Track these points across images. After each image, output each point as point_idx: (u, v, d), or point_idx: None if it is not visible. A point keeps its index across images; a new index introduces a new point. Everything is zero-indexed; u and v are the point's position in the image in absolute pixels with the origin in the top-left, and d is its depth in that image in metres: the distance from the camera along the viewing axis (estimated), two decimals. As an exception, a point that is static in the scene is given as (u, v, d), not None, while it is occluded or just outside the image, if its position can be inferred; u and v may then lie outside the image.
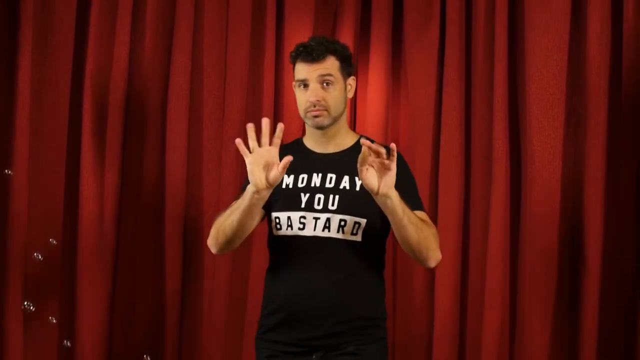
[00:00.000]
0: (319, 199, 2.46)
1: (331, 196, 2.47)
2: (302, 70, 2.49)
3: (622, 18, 3.35)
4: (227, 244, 2.46)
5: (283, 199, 2.49)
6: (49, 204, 3.49)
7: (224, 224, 2.43)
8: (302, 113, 2.51)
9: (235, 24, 3.59)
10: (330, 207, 2.46)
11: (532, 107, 3.41)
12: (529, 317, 3.39)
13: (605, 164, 3.36)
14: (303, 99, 2.49)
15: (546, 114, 3.39)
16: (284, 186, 2.50)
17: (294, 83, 2.53)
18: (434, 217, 3.55)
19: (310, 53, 2.47)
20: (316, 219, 2.45)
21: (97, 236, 3.50)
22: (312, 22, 3.60)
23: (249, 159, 2.28)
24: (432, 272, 3.53)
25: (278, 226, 2.49)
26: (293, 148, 2.57)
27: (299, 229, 2.46)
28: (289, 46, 3.57)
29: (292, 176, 2.51)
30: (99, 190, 3.51)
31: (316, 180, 2.49)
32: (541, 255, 3.38)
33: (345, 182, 2.49)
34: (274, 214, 2.50)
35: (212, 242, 2.50)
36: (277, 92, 3.60)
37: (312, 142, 2.57)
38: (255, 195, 2.30)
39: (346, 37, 3.60)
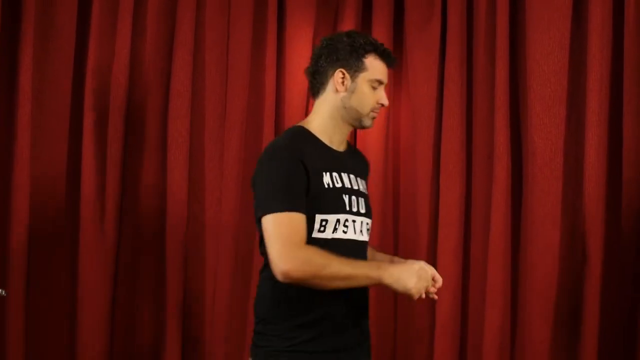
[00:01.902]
0: (354, 200, 2.42)
1: (360, 199, 2.44)
2: (383, 70, 2.46)
3: (623, 14, 3.34)
4: (314, 286, 2.30)
5: (329, 200, 2.36)
6: (51, 202, 3.50)
7: (318, 272, 2.25)
8: (364, 110, 2.44)
9: (236, 22, 3.59)
10: (361, 210, 2.44)
11: (533, 104, 3.40)
12: (530, 316, 3.39)
13: (607, 161, 3.36)
14: (374, 98, 2.44)
15: (547, 111, 3.39)
16: (326, 186, 2.37)
17: (364, 76, 2.43)
18: (435, 215, 3.56)
19: (392, 58, 2.48)
20: (354, 221, 2.41)
21: (99, 234, 3.51)
22: (313, 20, 3.61)
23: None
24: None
25: (322, 228, 2.35)
26: (312, 142, 2.42)
27: (343, 232, 2.39)
28: (290, 44, 3.59)
29: (327, 174, 2.39)
30: (100, 188, 3.52)
31: (345, 180, 2.42)
32: (542, 252, 3.37)
33: (361, 185, 2.48)
34: (321, 216, 2.34)
35: (300, 276, 2.24)
36: (279, 90, 3.61)
37: (331, 138, 2.45)
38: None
39: (347, 34, 3.60)
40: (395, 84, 3.66)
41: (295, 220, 2.26)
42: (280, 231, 2.25)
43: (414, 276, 2.28)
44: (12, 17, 3.46)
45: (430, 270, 2.33)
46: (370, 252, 2.59)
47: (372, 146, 3.57)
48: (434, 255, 3.54)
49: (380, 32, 3.59)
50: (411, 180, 3.61)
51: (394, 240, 3.65)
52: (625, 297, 3.33)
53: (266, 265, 2.36)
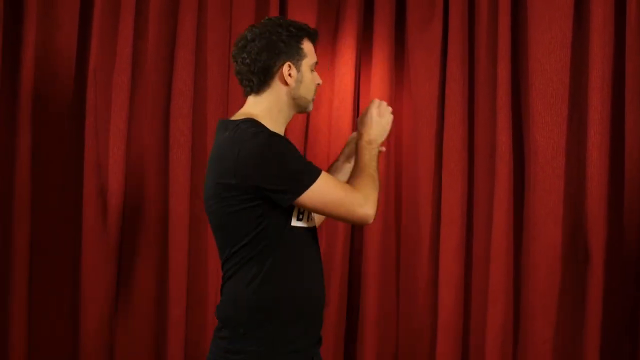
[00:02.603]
0: None
1: None
2: (314, 51, 2.42)
3: (624, 13, 3.35)
4: None
5: None
6: (53, 202, 3.51)
7: (376, 189, 2.33)
8: (310, 96, 2.41)
9: (238, 23, 3.59)
10: None
11: (535, 102, 3.41)
12: (532, 314, 3.40)
13: (609, 159, 3.37)
14: (314, 81, 2.42)
15: (549, 109, 3.40)
16: None
17: (305, 63, 2.38)
18: (437, 214, 3.56)
19: (317, 36, 2.44)
20: None
21: (101, 234, 3.51)
22: (315, 19, 3.61)
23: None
24: (435, 269, 3.54)
25: (301, 216, 2.33)
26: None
27: (312, 219, 2.38)
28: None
29: None
30: (102, 187, 3.52)
31: None
32: (544, 250, 3.38)
33: None
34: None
35: (376, 206, 2.32)
36: (280, 89, 3.60)
37: (280, 129, 2.39)
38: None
39: (349, 34, 3.61)
40: (397, 83, 3.67)
41: (330, 175, 2.33)
42: (337, 186, 2.29)
43: (380, 118, 2.46)
44: (14, 17, 3.46)
45: (374, 103, 2.49)
46: (335, 166, 2.63)
47: (374, 145, 3.56)
48: (436, 253, 3.55)
49: (382, 32, 3.60)
50: (413, 178, 3.62)
51: (396, 239, 3.65)
52: (627, 295, 3.33)
53: (242, 265, 2.29)
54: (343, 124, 3.59)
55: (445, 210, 3.53)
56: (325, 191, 2.27)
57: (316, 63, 2.43)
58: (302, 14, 3.60)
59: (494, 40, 3.47)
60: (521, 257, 3.47)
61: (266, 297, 2.29)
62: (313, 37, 2.43)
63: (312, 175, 2.27)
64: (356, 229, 3.65)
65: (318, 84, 2.45)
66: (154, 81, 3.57)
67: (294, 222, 2.32)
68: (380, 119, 2.48)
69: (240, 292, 2.30)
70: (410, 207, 3.63)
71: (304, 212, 2.34)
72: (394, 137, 3.64)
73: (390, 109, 2.50)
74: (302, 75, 2.38)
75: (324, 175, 2.28)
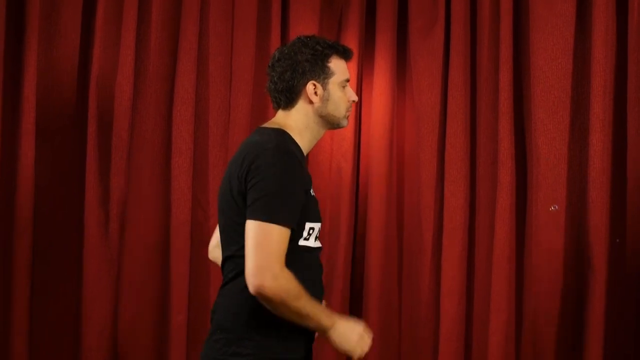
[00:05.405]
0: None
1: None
2: (346, 68, 2.42)
3: (627, 20, 3.36)
4: (272, 310, 2.20)
5: (314, 207, 2.33)
6: (55, 211, 3.50)
7: (298, 306, 2.18)
8: (341, 113, 2.40)
9: (240, 29, 3.60)
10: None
11: (537, 110, 3.41)
12: (535, 321, 3.39)
13: (611, 166, 3.37)
14: (345, 98, 2.41)
15: (551, 117, 3.40)
16: (312, 193, 2.34)
17: (334, 81, 2.38)
18: (439, 221, 3.56)
19: (350, 52, 2.43)
20: (319, 230, 2.36)
21: (103, 242, 3.50)
22: (317, 27, 3.61)
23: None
24: (437, 276, 3.54)
25: (308, 236, 2.30)
26: (298, 149, 2.38)
27: (319, 240, 2.36)
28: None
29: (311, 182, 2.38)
30: (104, 195, 3.52)
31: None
32: (547, 258, 3.38)
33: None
34: (310, 224, 2.30)
35: (271, 297, 2.14)
36: (282, 97, 3.60)
37: (309, 144, 2.42)
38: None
39: (351, 42, 3.61)
40: (399, 91, 3.67)
41: (288, 238, 2.20)
42: (279, 247, 2.16)
43: (355, 335, 2.29)
44: (16, 25, 3.47)
45: (368, 335, 2.34)
46: None
47: (376, 152, 3.57)
48: (438, 261, 3.54)
49: (384, 39, 3.61)
50: (415, 186, 3.62)
51: (398, 247, 3.65)
52: (630, 303, 3.33)
53: (238, 273, 2.25)
54: (345, 132, 3.59)
55: (447, 218, 3.52)
56: (266, 238, 2.16)
57: (347, 80, 2.42)
58: (304, 22, 3.60)
59: (496, 47, 3.47)
60: (524, 265, 3.47)
61: (259, 306, 2.22)
62: (343, 54, 2.42)
63: (277, 215, 2.17)
64: (358, 237, 3.65)
65: (353, 101, 2.44)
66: (156, 89, 3.57)
67: (301, 242, 2.28)
68: (354, 334, 2.31)
69: (235, 298, 2.28)
70: (413, 215, 3.63)
71: (312, 232, 2.30)
72: (397, 145, 3.64)
73: (369, 342, 2.35)
74: (329, 93, 2.38)
75: (281, 230, 2.17)
